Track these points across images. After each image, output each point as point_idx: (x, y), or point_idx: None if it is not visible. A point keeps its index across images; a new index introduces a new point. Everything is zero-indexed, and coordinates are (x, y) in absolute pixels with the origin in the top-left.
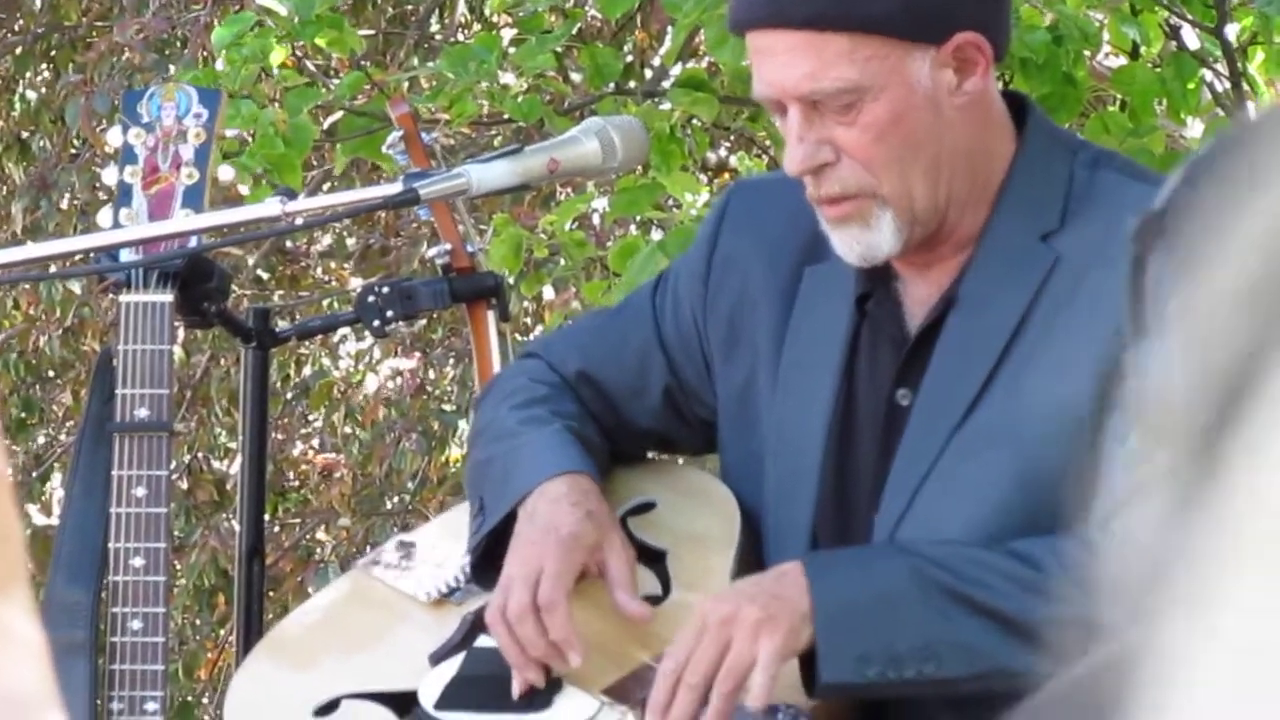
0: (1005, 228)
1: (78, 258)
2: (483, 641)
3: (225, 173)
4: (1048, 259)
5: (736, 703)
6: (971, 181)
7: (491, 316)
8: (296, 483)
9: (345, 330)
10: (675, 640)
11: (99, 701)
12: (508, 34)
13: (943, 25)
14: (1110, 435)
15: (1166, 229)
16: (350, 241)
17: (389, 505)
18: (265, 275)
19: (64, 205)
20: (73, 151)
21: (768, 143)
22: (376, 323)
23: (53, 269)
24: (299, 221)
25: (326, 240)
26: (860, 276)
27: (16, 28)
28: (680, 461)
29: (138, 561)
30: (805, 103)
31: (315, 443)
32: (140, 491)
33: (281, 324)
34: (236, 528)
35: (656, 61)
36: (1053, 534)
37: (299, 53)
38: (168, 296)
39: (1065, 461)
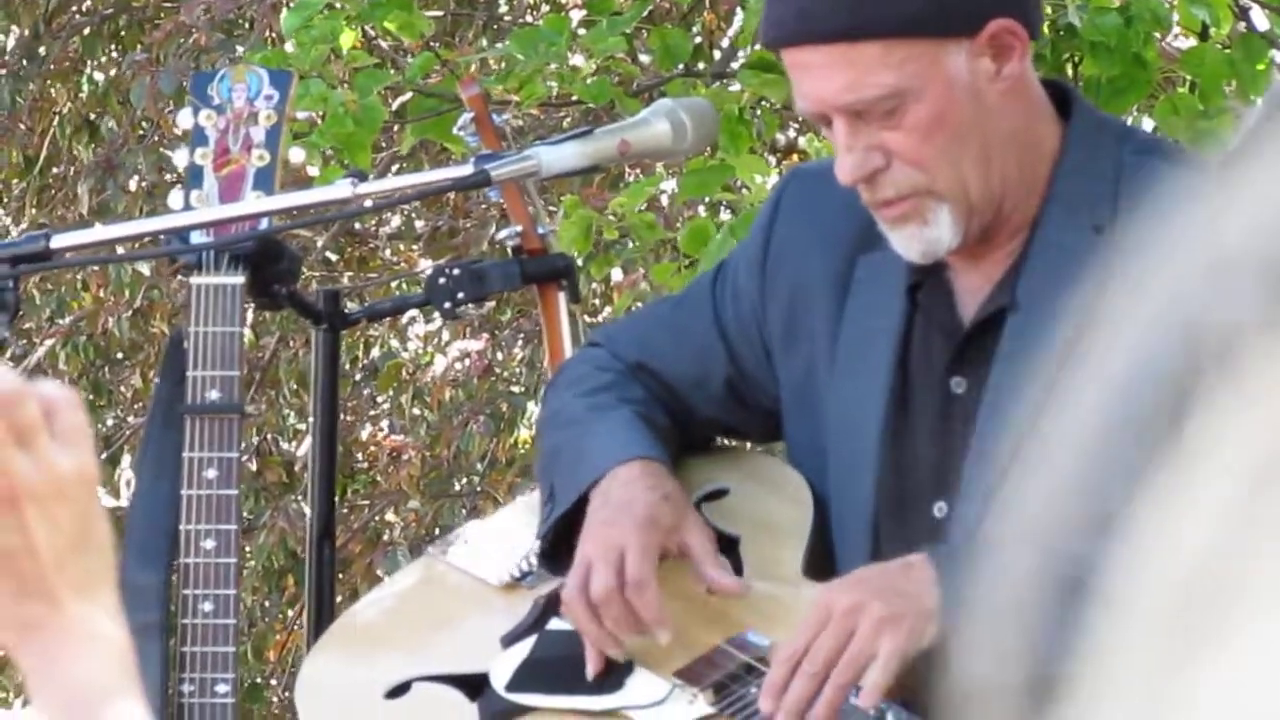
0: (1057, 220)
1: (148, 240)
2: (555, 624)
3: (296, 155)
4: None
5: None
6: (1021, 166)
7: (562, 298)
8: (365, 464)
9: (413, 312)
10: (797, 626)
11: (170, 684)
12: (575, 15)
13: (974, 15)
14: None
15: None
16: (419, 224)
17: (457, 487)
18: (334, 257)
19: (131, 187)
20: (140, 133)
21: None
22: (447, 304)
23: (120, 251)
24: (369, 204)
25: (395, 222)
26: (912, 266)
27: (85, 9)
28: (754, 448)
29: (209, 544)
30: (848, 113)
31: (384, 425)
32: (211, 473)
33: (350, 306)
34: (306, 510)
35: (725, 43)
36: None
37: (369, 33)
38: (239, 279)
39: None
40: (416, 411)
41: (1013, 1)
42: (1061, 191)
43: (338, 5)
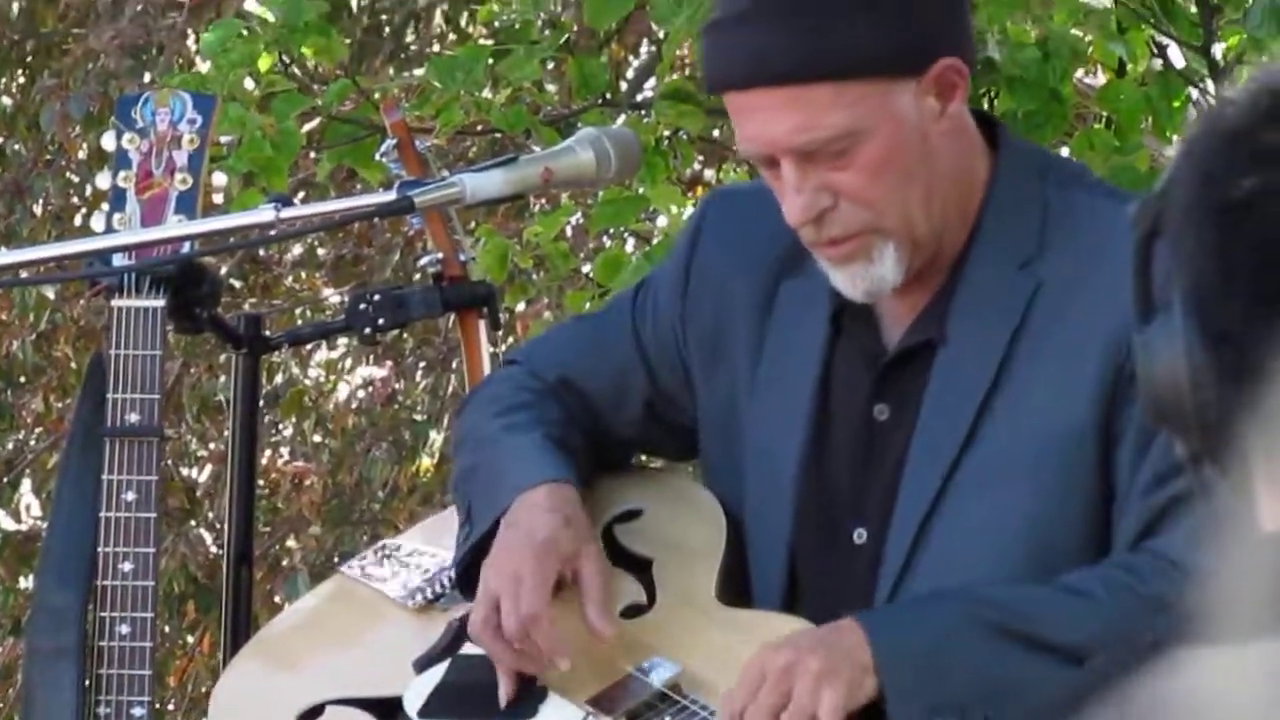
0: (984, 257)
1: (52, 265)
2: (468, 649)
3: (219, 179)
4: (1028, 287)
5: None
6: (958, 202)
7: (483, 326)
8: (267, 490)
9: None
10: (730, 689)
11: (85, 706)
12: (485, 44)
13: (923, 55)
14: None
15: (1167, 209)
16: (321, 251)
17: (359, 514)
18: (238, 284)
19: (38, 210)
20: (47, 157)
21: None
22: (368, 330)
23: (24, 275)
24: (280, 231)
25: (298, 249)
26: (835, 292)
27: None
28: (669, 468)
29: (126, 566)
30: (798, 154)
31: (285, 451)
32: (130, 496)
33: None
34: (206, 536)
35: (630, 74)
36: (1086, 562)
37: (284, 59)
38: (160, 302)
39: (1075, 487)
40: (319, 438)
41: (956, 41)
42: (990, 227)
43: (256, 29)
